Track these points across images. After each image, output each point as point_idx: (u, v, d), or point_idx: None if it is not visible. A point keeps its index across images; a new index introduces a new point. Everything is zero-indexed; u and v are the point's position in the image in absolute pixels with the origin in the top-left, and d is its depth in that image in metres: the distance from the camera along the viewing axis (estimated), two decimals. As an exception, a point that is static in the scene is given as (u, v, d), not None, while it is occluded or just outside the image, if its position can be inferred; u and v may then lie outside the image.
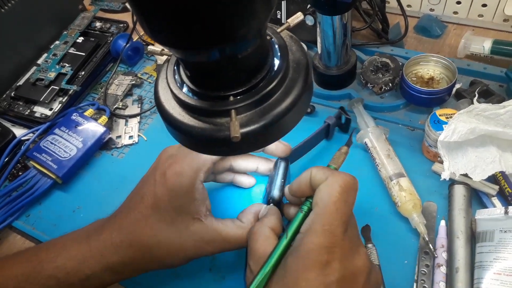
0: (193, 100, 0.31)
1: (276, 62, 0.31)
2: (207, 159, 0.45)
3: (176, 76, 0.33)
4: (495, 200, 0.51)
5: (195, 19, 0.23)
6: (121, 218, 0.45)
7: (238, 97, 0.30)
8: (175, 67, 0.33)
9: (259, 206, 0.47)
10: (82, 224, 0.48)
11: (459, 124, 0.51)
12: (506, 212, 0.46)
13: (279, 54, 0.32)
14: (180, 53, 0.29)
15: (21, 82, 0.77)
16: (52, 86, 0.75)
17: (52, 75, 0.76)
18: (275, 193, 0.48)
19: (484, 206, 0.52)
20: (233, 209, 0.57)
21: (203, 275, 0.53)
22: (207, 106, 0.31)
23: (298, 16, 0.34)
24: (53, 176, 0.64)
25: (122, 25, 0.85)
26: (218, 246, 0.44)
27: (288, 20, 0.34)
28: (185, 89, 0.32)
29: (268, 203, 0.48)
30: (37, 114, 0.73)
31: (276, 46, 0.32)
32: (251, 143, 0.32)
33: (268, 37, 0.33)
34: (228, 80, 0.30)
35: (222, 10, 0.23)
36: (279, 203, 0.49)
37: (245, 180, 0.55)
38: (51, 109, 0.73)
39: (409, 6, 0.80)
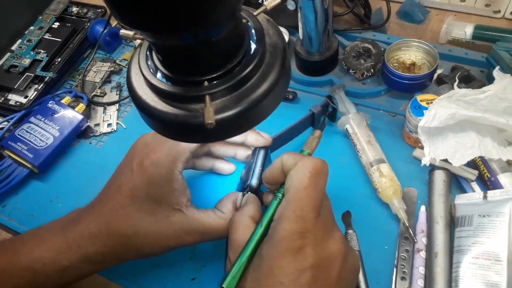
0: (166, 85, 0.30)
1: (253, 46, 0.31)
2: (185, 148, 0.45)
3: (149, 62, 0.32)
4: (475, 185, 0.51)
5: (163, 1, 0.22)
6: (99, 208, 0.44)
7: (213, 82, 0.29)
8: (148, 52, 0.32)
9: (236, 195, 0.47)
10: (60, 214, 0.47)
11: (439, 109, 0.50)
12: (485, 197, 0.46)
13: (255, 38, 0.31)
14: (150, 36, 0.28)
15: (-6, 69, 0.75)
16: (27, 73, 0.73)
17: (26, 61, 0.73)
18: (253, 181, 0.48)
19: (463, 191, 0.52)
20: (212, 198, 0.57)
21: (183, 264, 0.52)
22: (181, 91, 0.30)
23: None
24: (29, 166, 0.63)
25: (99, 10, 0.82)
26: (199, 236, 0.44)
27: (265, 3, 0.33)
28: (158, 75, 0.31)
29: (244, 190, 0.47)
30: (11, 102, 0.71)
31: (253, 30, 0.31)
32: (227, 130, 0.31)
33: (244, 20, 0.32)
34: (202, 65, 0.29)
35: None
36: (257, 191, 0.48)
37: (225, 167, 0.54)
38: (26, 97, 0.71)
39: (392, -9, 0.79)
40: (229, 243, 0.40)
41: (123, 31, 0.34)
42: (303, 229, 0.34)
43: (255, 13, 0.33)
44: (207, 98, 0.29)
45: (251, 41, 0.31)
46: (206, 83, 0.29)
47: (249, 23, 0.32)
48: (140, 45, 0.33)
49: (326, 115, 0.61)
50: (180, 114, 0.30)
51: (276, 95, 0.31)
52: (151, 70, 0.31)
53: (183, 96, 0.30)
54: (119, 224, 0.43)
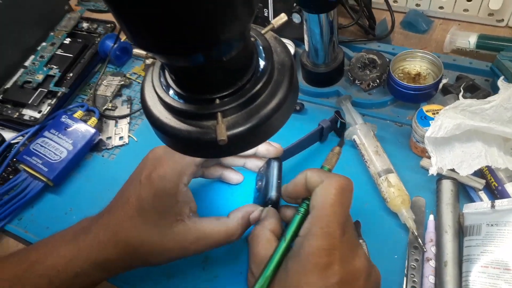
0: (179, 103, 0.31)
1: (261, 64, 0.32)
2: (190, 163, 0.46)
3: (162, 79, 0.33)
4: (482, 194, 0.52)
5: (176, 25, 0.24)
6: (108, 218, 0.46)
7: (224, 100, 0.30)
8: (161, 70, 0.33)
9: (252, 208, 0.48)
10: (75, 225, 0.48)
11: (445, 120, 0.51)
12: (492, 206, 0.47)
13: (263, 55, 0.32)
14: (163, 58, 0.29)
15: (8, 85, 0.76)
16: (40, 89, 0.74)
17: (40, 77, 0.75)
18: (273, 194, 0.48)
19: (471, 200, 0.53)
20: (222, 208, 0.58)
21: (195, 274, 0.53)
22: (193, 109, 0.31)
23: (282, 18, 0.34)
24: (44, 179, 0.64)
25: (109, 25, 0.84)
26: (202, 244, 0.45)
27: (272, 22, 0.34)
28: (171, 92, 0.32)
29: (265, 204, 0.48)
30: (26, 117, 0.73)
31: (261, 48, 0.33)
32: (238, 145, 0.32)
33: (252, 39, 0.33)
34: (213, 83, 0.30)
35: (203, 15, 0.24)
36: (276, 204, 0.49)
37: (233, 177, 0.56)
38: (40, 112, 0.73)
39: (395, 1, 0.80)
40: (251, 257, 0.41)
41: (136, 50, 0.35)
42: (330, 246, 0.35)
43: (263, 31, 0.34)
44: (219, 115, 0.30)
45: (259, 59, 0.32)
46: (217, 100, 0.30)
47: (258, 41, 0.33)
48: (153, 63, 0.34)
49: (338, 131, 0.62)
50: (193, 131, 0.31)
51: (285, 110, 0.32)
52: (164, 88, 0.32)
53: (195, 113, 0.31)
54: (125, 234, 0.45)
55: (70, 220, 0.62)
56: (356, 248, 0.38)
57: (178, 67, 0.30)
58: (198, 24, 0.24)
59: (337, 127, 0.62)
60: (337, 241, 0.36)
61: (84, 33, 0.84)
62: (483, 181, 0.52)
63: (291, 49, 0.74)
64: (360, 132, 0.59)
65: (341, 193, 0.38)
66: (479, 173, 0.54)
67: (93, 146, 0.69)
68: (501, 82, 0.55)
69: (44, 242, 0.48)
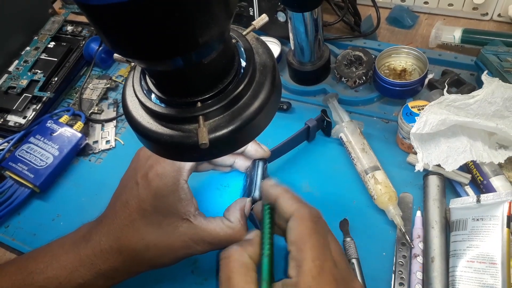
0: (160, 107, 0.31)
1: (243, 65, 0.31)
2: None
3: (143, 84, 0.32)
4: (468, 189, 0.52)
5: (152, 30, 0.23)
6: (108, 224, 0.45)
7: (206, 103, 0.30)
8: (141, 74, 0.33)
9: (244, 201, 0.47)
10: (63, 232, 0.47)
11: (430, 115, 0.51)
12: (478, 201, 0.47)
13: (245, 57, 0.32)
14: (141, 63, 0.29)
15: (-8, 91, 0.76)
16: (24, 94, 0.74)
17: (24, 82, 0.74)
18: (256, 193, 0.48)
19: (458, 195, 0.53)
20: (217, 206, 0.57)
21: (185, 277, 0.53)
22: (175, 113, 0.31)
23: (263, 18, 0.34)
24: (30, 186, 0.64)
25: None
26: (207, 245, 0.44)
27: (253, 23, 0.34)
28: (152, 97, 0.32)
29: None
30: (10, 123, 0.72)
31: (242, 49, 0.32)
32: (221, 148, 0.32)
33: (233, 40, 0.33)
34: (194, 86, 0.30)
35: (180, 19, 0.23)
36: None
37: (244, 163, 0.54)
38: (25, 117, 0.72)
39: (380, -3, 0.80)
40: (221, 281, 0.36)
41: (116, 55, 0.34)
42: (328, 281, 0.34)
43: (244, 32, 0.34)
44: (201, 118, 0.30)
45: (241, 60, 0.32)
46: (199, 104, 0.30)
47: (239, 43, 0.33)
48: (134, 67, 0.34)
49: (325, 129, 0.63)
50: (175, 135, 0.31)
51: (268, 111, 0.32)
52: (145, 92, 0.32)
53: (177, 117, 0.30)
54: (129, 239, 0.43)
55: (58, 226, 0.62)
56: (353, 276, 0.37)
57: (157, 71, 0.30)
58: (175, 28, 0.24)
59: (324, 126, 0.62)
60: (335, 273, 0.34)
61: (69, 36, 0.83)
62: (469, 176, 0.53)
63: (277, 48, 0.74)
64: (347, 130, 0.59)
65: (316, 223, 0.36)
66: (465, 168, 0.54)
67: (80, 150, 0.69)
68: (485, 77, 0.55)
69: (42, 251, 0.46)
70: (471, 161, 0.52)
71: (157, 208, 0.43)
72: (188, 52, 0.26)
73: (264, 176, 0.51)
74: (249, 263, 0.36)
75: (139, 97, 0.32)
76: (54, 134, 0.67)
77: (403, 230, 0.50)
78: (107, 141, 0.70)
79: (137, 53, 0.26)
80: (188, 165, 0.45)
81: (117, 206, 0.45)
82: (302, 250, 0.34)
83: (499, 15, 0.73)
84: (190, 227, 0.43)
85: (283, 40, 0.75)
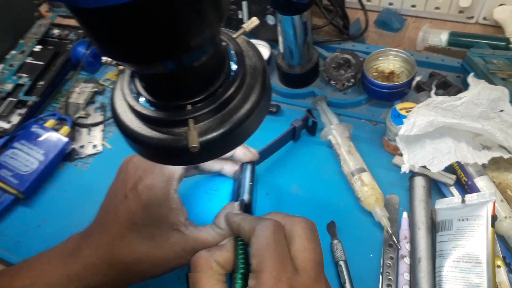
0: (149, 111, 0.30)
1: (233, 68, 0.31)
2: (177, 166, 0.44)
3: (132, 87, 0.32)
4: (453, 190, 0.52)
5: (143, 33, 0.23)
6: (97, 237, 0.43)
7: (196, 106, 0.30)
8: (131, 77, 0.32)
9: (232, 206, 0.47)
10: (48, 239, 0.46)
11: (418, 117, 0.51)
12: (463, 201, 0.47)
13: (235, 60, 0.32)
14: (132, 66, 0.29)
15: (-23, 95, 0.74)
16: (10, 98, 0.73)
17: (9, 86, 0.73)
18: (246, 196, 0.48)
19: (443, 196, 0.53)
20: (206, 213, 0.57)
21: (171, 284, 0.52)
22: (165, 116, 0.30)
23: (253, 21, 0.34)
24: (15, 192, 0.63)
25: (81, 31, 0.83)
26: None
27: (244, 25, 0.34)
28: (142, 100, 0.31)
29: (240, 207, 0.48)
30: (-5, 128, 0.71)
31: (232, 52, 0.32)
32: (212, 151, 0.32)
33: (224, 43, 0.32)
34: (184, 89, 0.30)
35: (171, 22, 0.23)
36: (249, 206, 0.49)
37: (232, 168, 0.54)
38: (9, 122, 0.71)
39: (368, 0, 0.81)
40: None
41: (105, 58, 0.34)
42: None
43: (234, 35, 0.33)
44: (191, 122, 0.29)
45: (231, 63, 0.32)
46: (189, 107, 0.30)
47: (229, 46, 0.33)
48: (123, 70, 0.34)
49: (304, 128, 0.63)
50: (165, 138, 0.30)
51: (258, 114, 0.32)
52: (134, 95, 0.32)
53: (167, 120, 0.30)
54: (120, 253, 0.42)
55: (43, 233, 0.61)
56: (318, 280, 0.36)
57: (147, 74, 0.30)
58: (166, 32, 0.23)
59: (309, 126, 0.62)
60: (294, 280, 0.34)
61: (55, 39, 0.82)
62: (454, 177, 0.53)
63: (266, 51, 0.74)
64: (335, 132, 0.59)
65: (275, 233, 0.36)
66: (450, 169, 0.54)
67: (66, 155, 0.68)
68: (471, 78, 0.56)
69: (26, 266, 0.44)
70: (456, 162, 0.52)
71: (148, 220, 0.42)
72: (179, 55, 0.26)
73: (253, 178, 0.51)
74: (216, 268, 0.37)
75: (128, 100, 0.31)
76: (39, 139, 0.67)
77: (390, 232, 0.50)
78: (94, 146, 0.69)
79: (128, 57, 0.26)
80: (177, 174, 0.44)
81: (106, 219, 0.44)
82: (260, 262, 0.35)
83: (484, 18, 0.74)
84: (182, 237, 0.42)
85: (272, 43, 0.75)
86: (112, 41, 0.24)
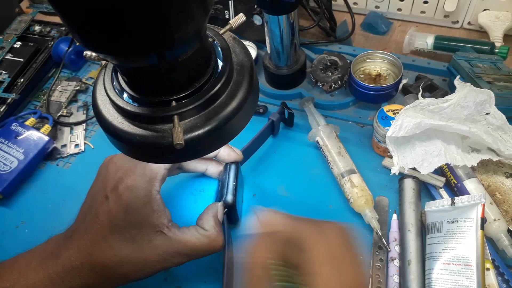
0: (132, 106, 0.30)
1: (220, 65, 0.31)
2: (160, 166, 0.44)
3: (115, 82, 0.31)
4: (443, 192, 0.53)
5: (126, 23, 0.22)
6: (78, 239, 0.42)
7: (181, 102, 0.29)
8: (113, 72, 0.31)
9: (215, 207, 0.46)
10: (27, 240, 0.44)
11: (406, 119, 0.52)
12: (452, 203, 0.47)
13: (222, 56, 0.31)
14: (114, 59, 0.28)
15: (-47, 92, 0.71)
16: (-13, 95, 0.70)
17: (-13, 83, 0.71)
18: (229, 197, 0.48)
19: (433, 198, 0.53)
20: (190, 214, 0.56)
21: (158, 286, 0.51)
22: (148, 112, 0.29)
23: (240, 17, 0.33)
24: (-8, 192, 0.60)
25: (63, 28, 0.81)
26: (184, 257, 0.43)
27: (231, 22, 0.33)
28: (125, 95, 0.30)
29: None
30: (-28, 126, 0.68)
31: (219, 48, 0.31)
32: (197, 149, 0.31)
33: (210, 39, 0.32)
34: (169, 85, 0.29)
35: (155, 13, 0.22)
36: (232, 207, 0.48)
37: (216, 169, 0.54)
38: (-13, 120, 0.69)
39: (355, 3, 0.81)
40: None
41: (87, 52, 0.33)
42: None
43: (221, 31, 0.33)
44: (176, 118, 0.28)
45: (218, 59, 0.31)
46: (174, 103, 0.29)
47: (216, 42, 0.32)
48: (105, 65, 0.32)
49: (281, 121, 0.63)
50: (148, 135, 0.29)
51: (245, 112, 0.31)
52: (117, 91, 0.31)
53: (150, 117, 0.29)
54: (101, 256, 0.41)
55: (22, 234, 0.59)
56: None
57: (131, 68, 0.29)
58: (149, 23, 0.23)
59: (286, 118, 0.62)
60: None
61: (36, 36, 0.80)
62: (443, 179, 0.53)
63: (253, 51, 0.74)
64: (323, 133, 0.59)
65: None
66: (440, 171, 0.54)
67: (47, 154, 0.66)
68: (457, 81, 0.56)
69: (7, 268, 0.43)
70: (445, 164, 0.53)
71: (129, 222, 0.41)
72: (163, 48, 0.25)
73: (237, 179, 0.50)
74: None
75: (110, 95, 0.30)
76: (19, 138, 0.64)
77: (380, 234, 0.49)
78: (76, 145, 0.67)
79: (109, 48, 0.25)
80: (159, 175, 0.43)
81: (87, 221, 0.43)
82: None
83: (469, 23, 0.75)
84: (164, 239, 0.42)
85: (259, 44, 0.75)
86: (93, 32, 0.23)
